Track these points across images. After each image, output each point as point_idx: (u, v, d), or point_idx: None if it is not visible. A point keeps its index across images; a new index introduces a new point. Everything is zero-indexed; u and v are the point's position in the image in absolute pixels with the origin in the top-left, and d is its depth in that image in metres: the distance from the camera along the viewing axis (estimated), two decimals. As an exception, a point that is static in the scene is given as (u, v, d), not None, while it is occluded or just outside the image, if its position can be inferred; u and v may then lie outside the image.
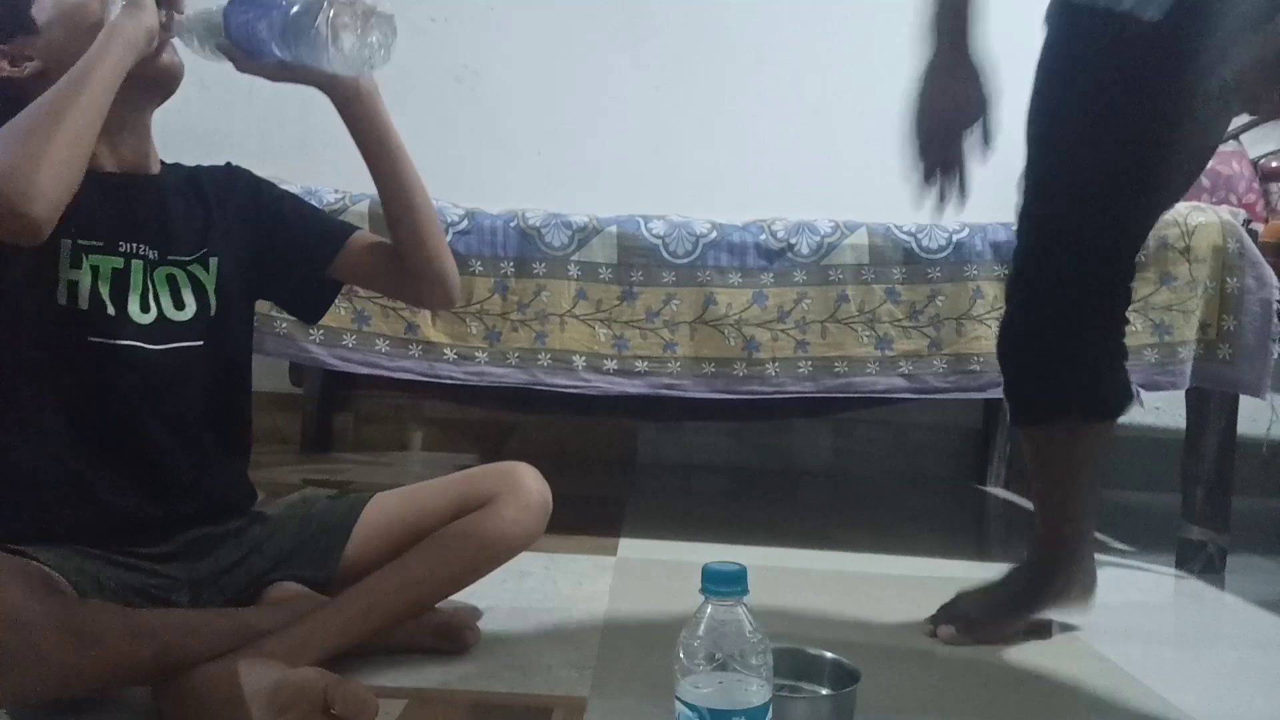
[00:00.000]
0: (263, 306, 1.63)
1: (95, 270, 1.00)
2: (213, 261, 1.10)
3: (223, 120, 2.58)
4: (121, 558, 1.01)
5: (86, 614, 0.88)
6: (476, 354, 1.69)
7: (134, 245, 1.03)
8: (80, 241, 0.99)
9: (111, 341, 1.01)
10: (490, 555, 1.14)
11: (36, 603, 0.84)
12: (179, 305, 1.06)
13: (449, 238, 1.68)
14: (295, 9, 0.93)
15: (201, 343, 1.08)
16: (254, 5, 0.95)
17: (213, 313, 1.09)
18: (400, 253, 1.15)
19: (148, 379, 1.03)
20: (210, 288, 1.09)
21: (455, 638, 1.15)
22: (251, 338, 1.20)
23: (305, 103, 2.85)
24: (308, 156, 2.53)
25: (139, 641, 0.90)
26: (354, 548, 1.15)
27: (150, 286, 1.04)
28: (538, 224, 1.71)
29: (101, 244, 1.01)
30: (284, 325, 1.65)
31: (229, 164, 1.22)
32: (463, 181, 2.52)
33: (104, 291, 1.00)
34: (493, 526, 1.13)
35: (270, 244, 1.17)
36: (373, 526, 1.16)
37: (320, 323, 1.65)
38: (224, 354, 1.11)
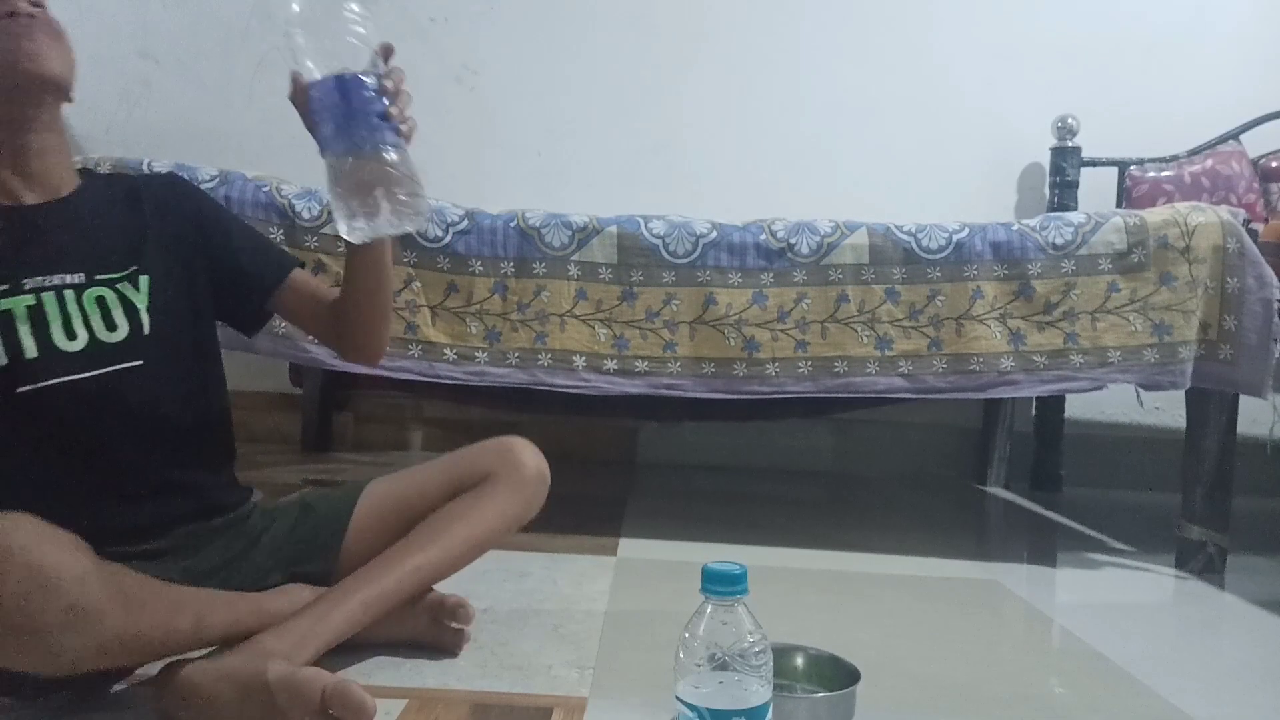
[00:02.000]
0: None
1: (7, 315, 0.95)
2: (143, 280, 1.05)
3: (223, 120, 2.59)
4: (115, 561, 1.00)
5: (130, 578, 0.88)
6: (476, 354, 1.69)
7: (46, 278, 0.98)
8: None
9: (42, 385, 0.96)
10: (488, 534, 1.13)
11: (88, 560, 0.83)
12: (111, 326, 1.01)
13: (449, 238, 1.69)
14: (338, 157, 0.92)
15: (141, 362, 1.03)
16: (329, 109, 0.94)
17: (146, 331, 1.04)
18: (343, 323, 1.14)
19: (88, 409, 0.99)
20: (142, 306, 1.04)
21: (450, 616, 1.14)
22: (214, 347, 1.16)
23: (305, 103, 2.81)
24: (308, 156, 2.53)
25: (178, 611, 0.90)
26: (353, 536, 1.14)
27: (77, 312, 0.99)
28: (538, 224, 1.71)
29: (7, 287, 0.95)
30: (283, 326, 1.65)
31: (173, 174, 1.19)
32: (463, 181, 2.53)
33: (21, 334, 0.95)
34: (490, 505, 1.13)
35: (210, 265, 1.13)
36: (370, 513, 1.16)
37: (320, 323, 1.65)
38: (173, 371, 1.06)
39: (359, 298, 1.11)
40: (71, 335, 0.99)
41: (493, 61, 2.64)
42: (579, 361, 1.69)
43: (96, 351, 1.00)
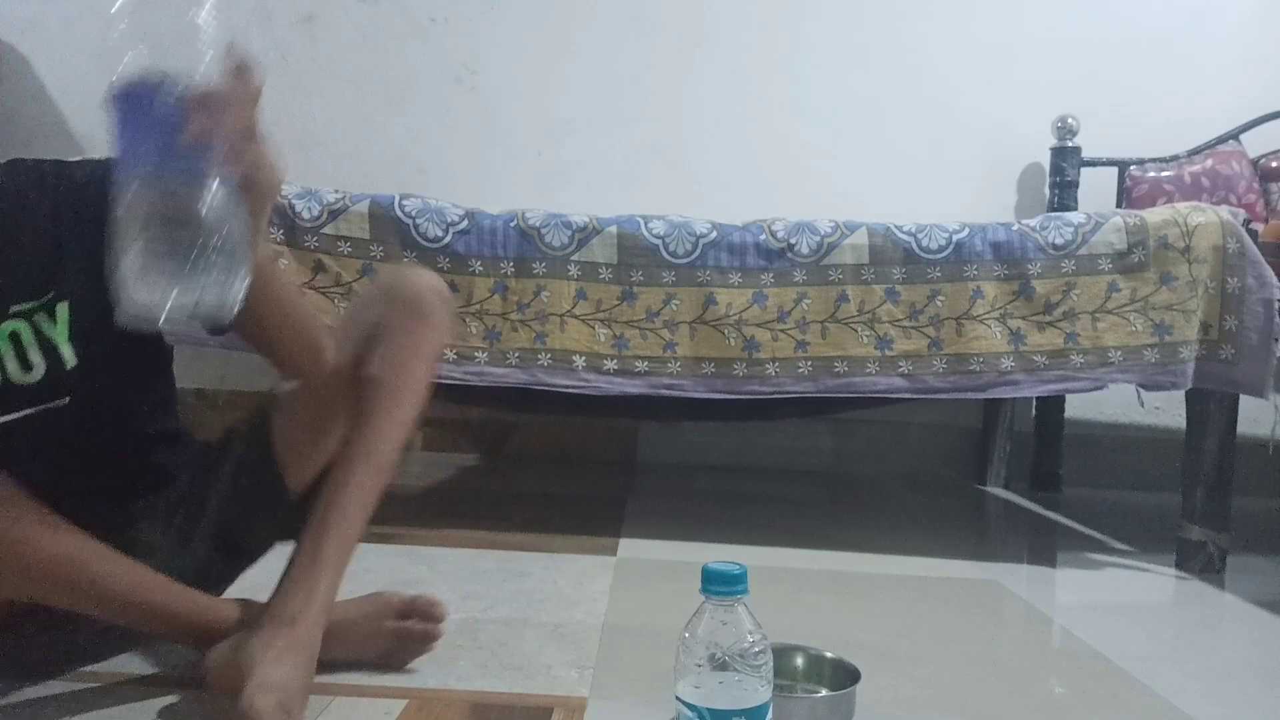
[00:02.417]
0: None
1: None
2: (62, 308, 0.92)
3: (223, 120, 2.58)
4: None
5: (38, 508, 0.83)
6: (476, 354, 1.69)
7: None
8: None
9: None
10: (419, 380, 1.03)
11: None
12: (26, 366, 0.90)
13: (448, 238, 1.68)
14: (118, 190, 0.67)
15: (66, 400, 0.93)
16: (117, 124, 0.69)
17: (70, 365, 0.92)
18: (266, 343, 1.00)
19: (12, 454, 0.89)
20: (62, 338, 0.92)
21: (424, 614, 1.07)
22: (161, 349, 1.06)
23: (305, 103, 2.87)
24: (308, 156, 2.53)
25: (58, 537, 0.84)
26: (283, 431, 1.06)
27: None
28: (538, 224, 1.71)
29: None
30: (284, 325, 1.65)
31: (101, 162, 0.99)
32: (463, 181, 2.53)
33: None
34: (406, 352, 1.02)
35: None
36: (293, 404, 1.07)
37: (320, 323, 1.65)
38: (108, 397, 0.97)
39: (260, 327, 0.95)
40: None
41: (493, 61, 2.63)
42: (579, 361, 1.69)
43: (11, 395, 0.91)
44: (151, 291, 0.66)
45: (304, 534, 0.97)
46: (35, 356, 0.91)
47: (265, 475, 1.07)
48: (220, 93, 0.69)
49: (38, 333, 0.91)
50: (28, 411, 0.91)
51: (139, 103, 0.68)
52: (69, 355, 0.93)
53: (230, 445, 1.11)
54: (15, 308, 0.91)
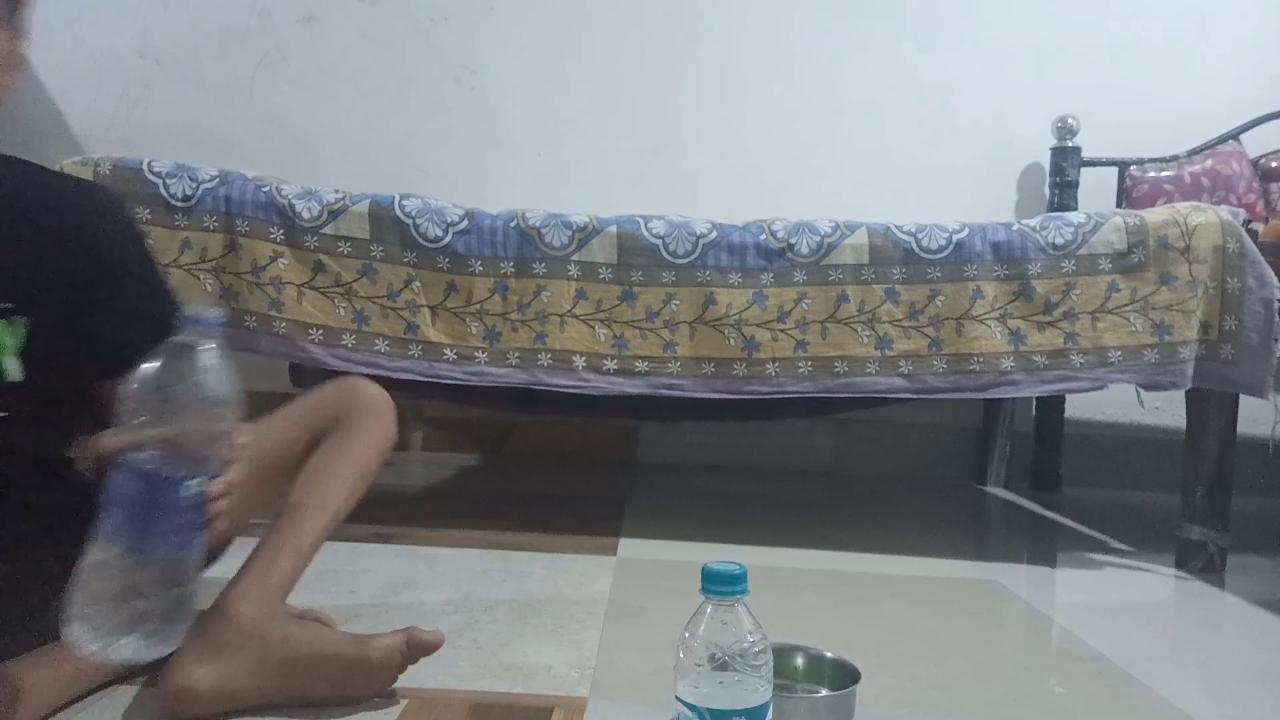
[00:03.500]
0: (260, 304, 1.64)
1: None
2: (18, 322, 0.88)
3: (223, 120, 2.59)
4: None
5: None
6: (476, 354, 1.69)
7: None
8: None
9: None
10: (369, 464, 1.11)
11: None
12: None
13: (449, 238, 1.69)
14: (113, 552, 0.74)
15: (5, 415, 0.88)
16: (126, 496, 0.76)
17: (16, 378, 0.88)
18: None
19: None
20: (9, 351, 0.87)
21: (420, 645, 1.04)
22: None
23: (305, 103, 2.86)
24: (308, 156, 2.54)
25: None
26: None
27: None
28: (538, 224, 1.71)
29: None
30: (283, 325, 1.65)
31: (92, 185, 1.01)
32: (463, 181, 2.54)
33: None
34: (361, 438, 1.10)
35: (87, 303, 0.93)
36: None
37: (320, 323, 1.66)
38: (55, 416, 0.93)
39: None
40: None
41: (493, 61, 2.64)
42: (579, 361, 1.69)
43: None
44: (102, 644, 0.74)
45: (259, 553, 0.99)
46: None
47: None
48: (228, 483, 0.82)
49: None
50: None
51: (158, 486, 0.76)
52: (12, 370, 0.88)
53: None
54: None
